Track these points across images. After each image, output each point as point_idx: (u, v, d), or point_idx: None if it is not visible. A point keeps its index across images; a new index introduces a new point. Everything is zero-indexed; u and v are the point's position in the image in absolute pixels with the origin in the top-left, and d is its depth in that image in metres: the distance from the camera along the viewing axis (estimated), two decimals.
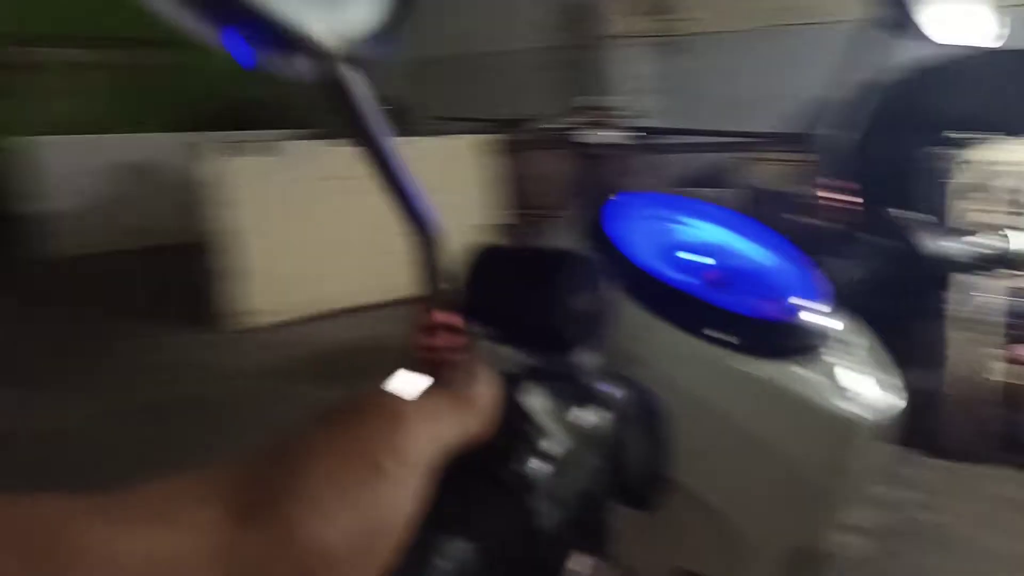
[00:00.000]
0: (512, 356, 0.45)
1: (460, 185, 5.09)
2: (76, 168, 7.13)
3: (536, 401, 0.43)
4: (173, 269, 5.90)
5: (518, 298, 0.42)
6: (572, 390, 0.45)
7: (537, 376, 0.44)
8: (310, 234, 4.81)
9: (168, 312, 5.09)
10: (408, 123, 5.73)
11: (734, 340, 0.52)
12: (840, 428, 0.52)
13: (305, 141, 5.10)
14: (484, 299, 0.42)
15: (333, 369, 4.00)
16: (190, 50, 9.79)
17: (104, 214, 7.18)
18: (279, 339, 4.47)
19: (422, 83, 6.86)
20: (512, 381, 0.42)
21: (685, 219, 0.64)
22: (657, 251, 0.58)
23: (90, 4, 9.79)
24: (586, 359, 0.46)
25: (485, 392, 0.40)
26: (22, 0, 9.23)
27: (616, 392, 0.48)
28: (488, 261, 0.44)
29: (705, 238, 0.63)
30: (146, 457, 2.76)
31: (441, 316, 0.40)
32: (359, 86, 0.33)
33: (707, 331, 0.52)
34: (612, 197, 0.60)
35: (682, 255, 0.60)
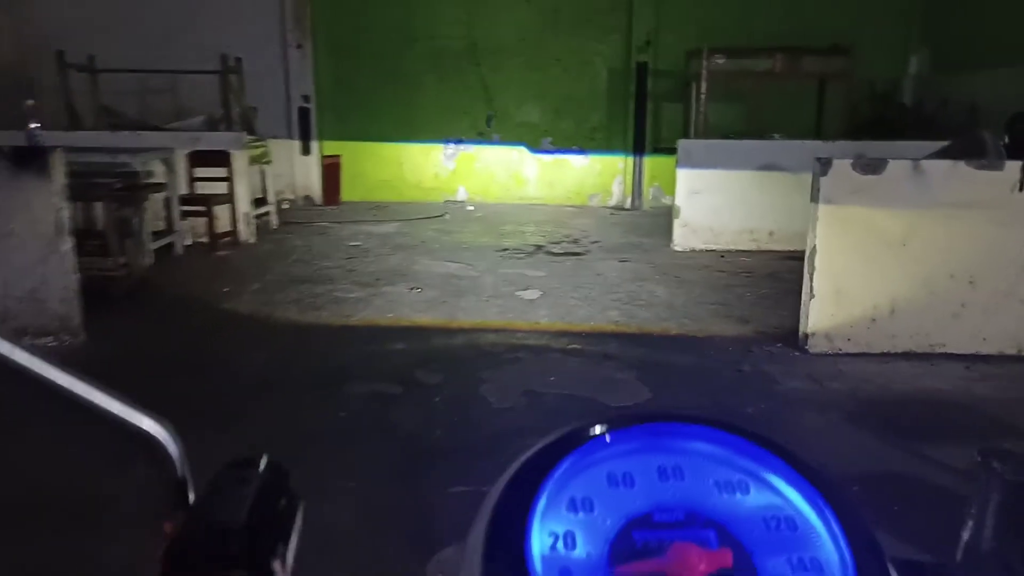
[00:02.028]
0: None
1: None
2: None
3: None
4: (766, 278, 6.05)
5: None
6: None
7: None
8: (919, 262, 4.37)
9: (752, 317, 5.26)
10: None
11: None
12: None
13: (947, 162, 4.60)
14: None
15: (900, 419, 3.64)
16: (860, 56, 9.81)
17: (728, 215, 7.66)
18: (851, 371, 4.24)
19: None
20: None
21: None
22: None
23: (776, 15, 10.60)
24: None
25: None
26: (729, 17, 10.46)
27: None
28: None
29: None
30: None
31: None
32: None
33: None
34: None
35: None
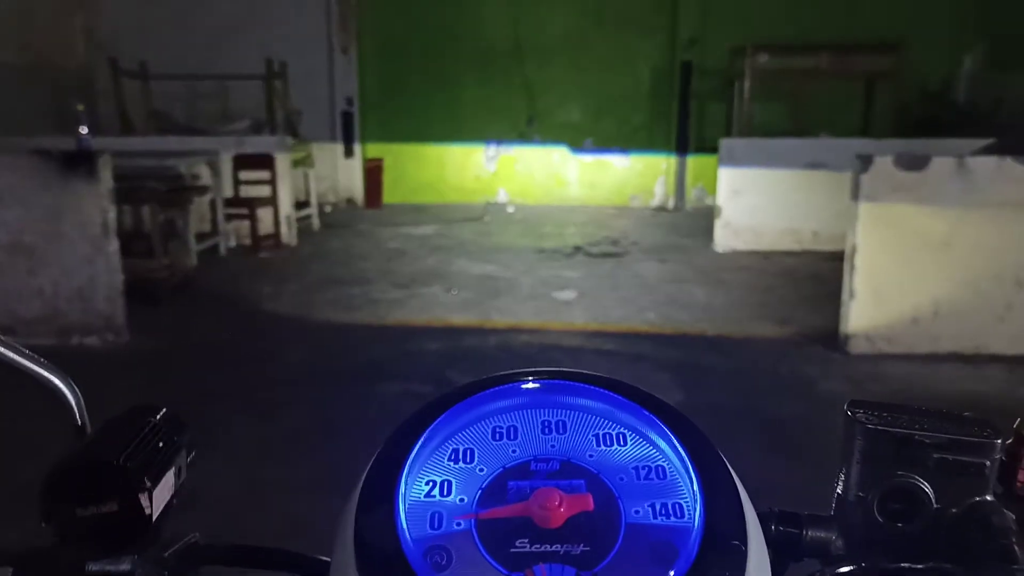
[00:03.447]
0: None
1: None
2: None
3: None
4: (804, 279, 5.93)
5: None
6: None
7: None
8: (964, 262, 4.25)
9: (792, 319, 5.17)
10: None
11: None
12: None
13: (994, 159, 4.47)
14: None
15: None
16: (910, 54, 9.60)
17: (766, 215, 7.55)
18: (891, 373, 4.13)
19: None
20: None
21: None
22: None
23: (826, 13, 10.45)
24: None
25: None
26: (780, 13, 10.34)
27: None
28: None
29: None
30: None
31: None
32: None
33: None
34: None
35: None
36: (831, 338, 4.57)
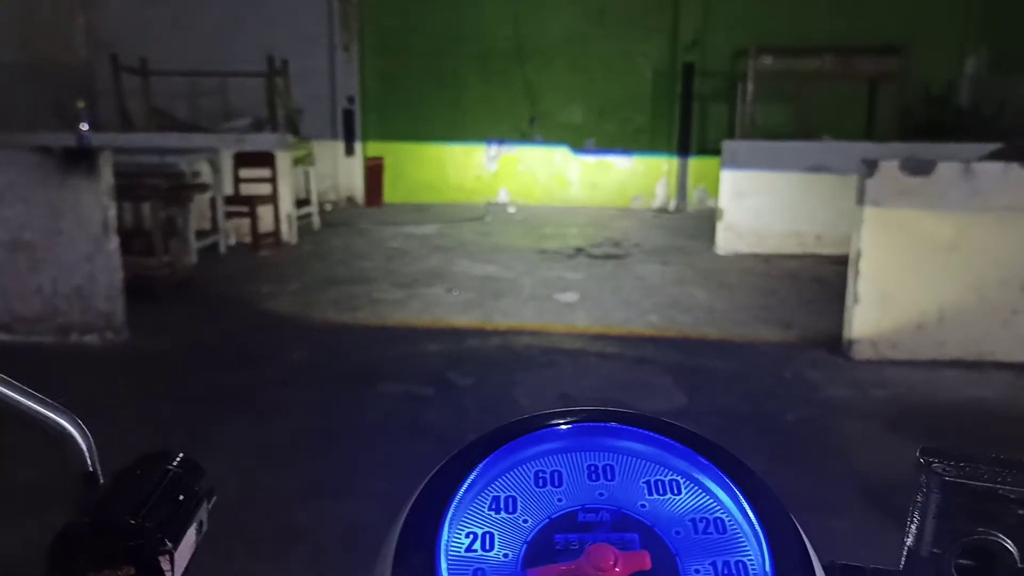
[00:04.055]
0: None
1: None
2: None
3: None
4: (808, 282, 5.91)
5: None
6: None
7: None
8: (969, 267, 4.22)
9: (795, 323, 5.14)
10: None
11: None
12: None
13: (1000, 164, 4.45)
14: None
15: (943, 429, 3.52)
16: (914, 57, 9.57)
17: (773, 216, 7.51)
18: (895, 378, 4.11)
19: None
20: None
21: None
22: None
23: (829, 15, 10.43)
24: None
25: None
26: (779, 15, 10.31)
27: None
28: None
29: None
30: None
31: None
32: None
33: None
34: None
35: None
36: (835, 343, 4.54)
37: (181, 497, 0.45)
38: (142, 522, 0.41)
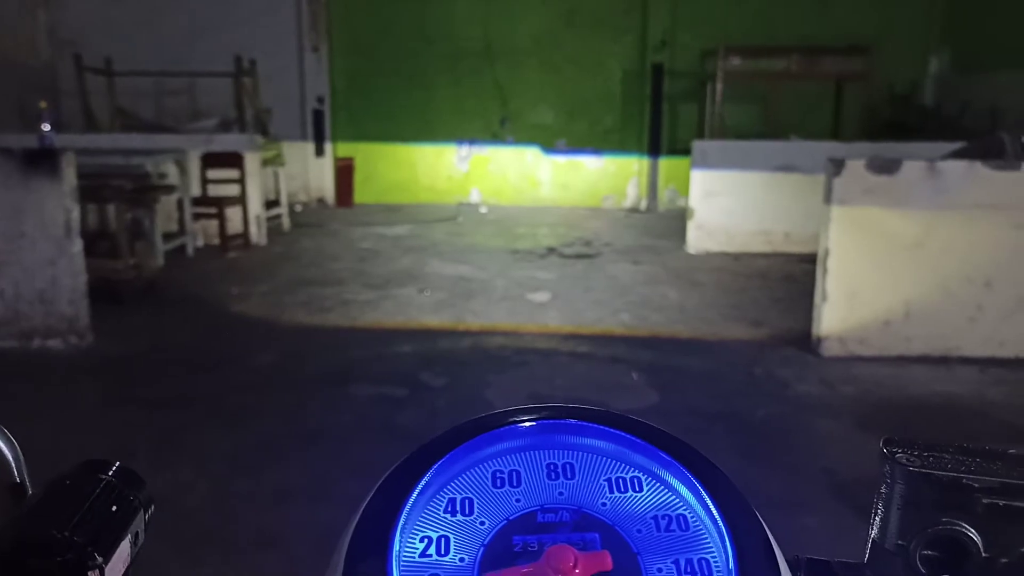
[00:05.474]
0: None
1: None
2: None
3: None
4: (779, 280, 5.97)
5: None
6: None
7: None
8: (935, 264, 4.29)
9: (765, 321, 5.19)
10: None
11: None
12: None
13: (964, 163, 4.52)
14: None
15: (912, 424, 3.57)
16: (879, 57, 9.71)
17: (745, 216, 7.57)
18: (864, 375, 4.16)
19: None
20: None
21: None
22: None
23: (796, 15, 10.54)
24: None
25: None
26: (747, 15, 10.38)
27: None
28: None
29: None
30: None
31: None
32: None
33: None
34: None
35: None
36: (804, 340, 4.59)
37: (115, 508, 0.42)
38: (70, 535, 0.39)
